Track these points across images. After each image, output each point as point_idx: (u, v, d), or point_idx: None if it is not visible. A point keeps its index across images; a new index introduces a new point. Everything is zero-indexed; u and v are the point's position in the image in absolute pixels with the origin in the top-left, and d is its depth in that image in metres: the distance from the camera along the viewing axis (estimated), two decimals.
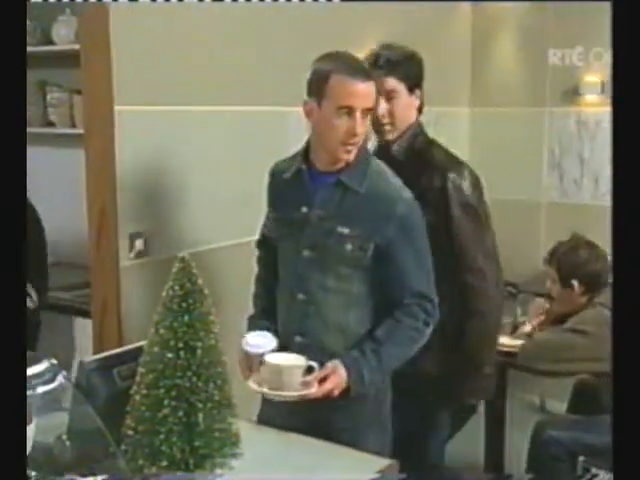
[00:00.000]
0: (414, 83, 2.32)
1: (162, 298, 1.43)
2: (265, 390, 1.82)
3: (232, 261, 2.93)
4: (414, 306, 1.97)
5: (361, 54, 3.12)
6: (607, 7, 4.09)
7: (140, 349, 1.47)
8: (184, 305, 1.42)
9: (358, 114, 1.86)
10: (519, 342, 2.90)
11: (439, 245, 2.07)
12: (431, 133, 4.47)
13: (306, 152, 2.00)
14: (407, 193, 1.97)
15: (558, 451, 2.78)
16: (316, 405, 1.84)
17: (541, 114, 4.46)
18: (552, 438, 2.79)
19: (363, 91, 1.87)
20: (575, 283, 2.86)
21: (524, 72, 4.52)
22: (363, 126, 1.89)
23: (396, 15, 3.86)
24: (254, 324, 2.10)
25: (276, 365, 1.83)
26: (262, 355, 1.87)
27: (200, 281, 1.45)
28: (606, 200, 4.31)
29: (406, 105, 2.30)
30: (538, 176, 4.50)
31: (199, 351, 1.41)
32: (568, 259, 2.89)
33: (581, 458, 2.82)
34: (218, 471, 1.41)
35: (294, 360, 1.85)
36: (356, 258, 1.93)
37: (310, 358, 1.85)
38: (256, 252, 2.26)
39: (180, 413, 1.39)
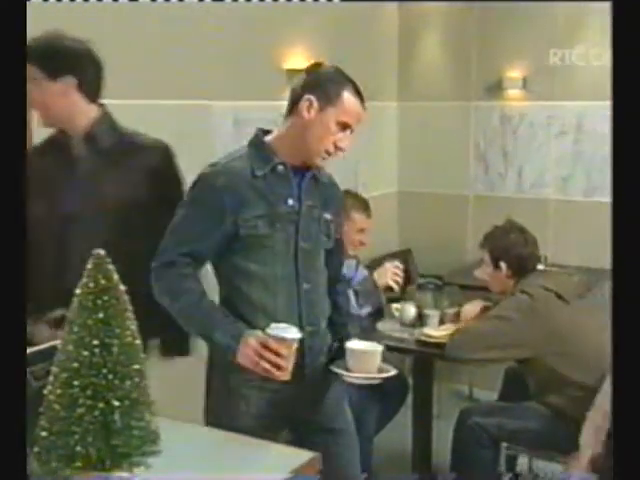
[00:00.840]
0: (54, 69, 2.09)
1: (76, 295, 1.39)
2: (358, 375, 2.02)
3: None
4: (343, 276, 2.35)
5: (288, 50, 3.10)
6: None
7: (54, 348, 1.43)
8: (99, 302, 1.38)
9: (349, 132, 2.03)
10: (445, 333, 2.94)
11: None
12: (358, 127, 4.47)
13: (270, 149, 2.04)
14: None
15: (481, 437, 2.83)
16: (316, 386, 2.08)
17: (467, 108, 4.54)
18: (476, 424, 2.84)
19: (361, 115, 2.05)
20: (503, 265, 2.92)
21: (450, 67, 4.59)
22: (349, 143, 2.05)
23: (323, 12, 3.87)
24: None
25: (364, 351, 2.04)
26: (293, 341, 1.87)
27: (116, 277, 1.42)
28: (530, 193, 4.42)
29: (52, 94, 2.10)
30: (464, 169, 4.58)
31: (115, 349, 1.37)
32: (499, 241, 2.96)
33: (504, 444, 2.88)
34: (136, 470, 1.39)
35: (374, 345, 2.07)
36: (331, 240, 2.15)
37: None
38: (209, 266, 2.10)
39: (96, 412, 1.35)
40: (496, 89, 4.43)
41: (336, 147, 2.02)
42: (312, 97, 1.99)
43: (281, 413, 2.05)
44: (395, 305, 3.24)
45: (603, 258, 4.08)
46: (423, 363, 3.12)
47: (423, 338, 2.95)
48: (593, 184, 4.26)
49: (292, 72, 3.70)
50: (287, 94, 2.10)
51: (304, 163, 2.05)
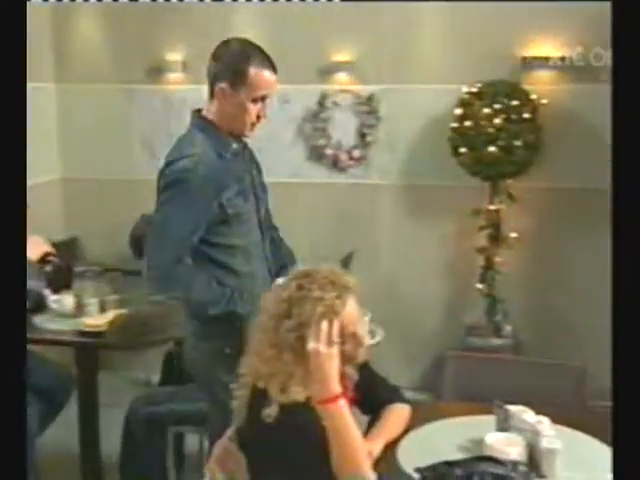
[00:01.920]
0: None
1: None
2: None
3: None
4: None
5: None
6: None
7: None
8: None
9: (267, 100, 2.20)
10: (105, 321, 2.85)
11: None
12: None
13: (220, 130, 2.19)
14: None
15: (152, 425, 2.81)
16: None
17: (130, 92, 4.43)
18: (144, 415, 2.81)
19: (274, 81, 2.20)
20: None
21: (109, 48, 4.44)
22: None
23: None
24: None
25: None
26: None
27: None
28: None
29: None
30: (130, 154, 4.48)
31: None
32: None
33: (172, 428, 2.88)
34: None
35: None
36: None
37: None
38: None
39: None
40: (157, 73, 4.38)
41: (259, 117, 2.19)
42: (223, 85, 2.14)
43: None
44: (53, 297, 3.07)
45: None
46: (84, 354, 2.99)
47: (82, 328, 2.84)
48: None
49: None
50: None
51: (238, 136, 2.24)
